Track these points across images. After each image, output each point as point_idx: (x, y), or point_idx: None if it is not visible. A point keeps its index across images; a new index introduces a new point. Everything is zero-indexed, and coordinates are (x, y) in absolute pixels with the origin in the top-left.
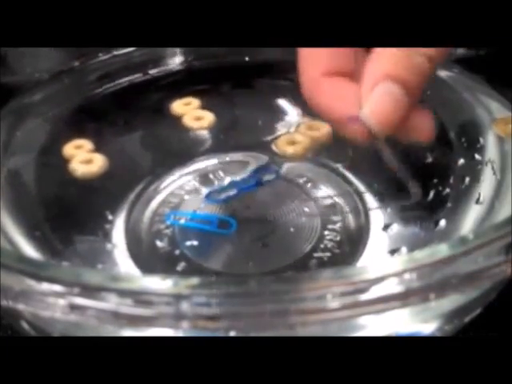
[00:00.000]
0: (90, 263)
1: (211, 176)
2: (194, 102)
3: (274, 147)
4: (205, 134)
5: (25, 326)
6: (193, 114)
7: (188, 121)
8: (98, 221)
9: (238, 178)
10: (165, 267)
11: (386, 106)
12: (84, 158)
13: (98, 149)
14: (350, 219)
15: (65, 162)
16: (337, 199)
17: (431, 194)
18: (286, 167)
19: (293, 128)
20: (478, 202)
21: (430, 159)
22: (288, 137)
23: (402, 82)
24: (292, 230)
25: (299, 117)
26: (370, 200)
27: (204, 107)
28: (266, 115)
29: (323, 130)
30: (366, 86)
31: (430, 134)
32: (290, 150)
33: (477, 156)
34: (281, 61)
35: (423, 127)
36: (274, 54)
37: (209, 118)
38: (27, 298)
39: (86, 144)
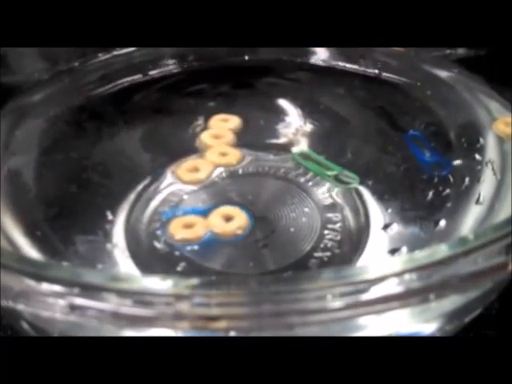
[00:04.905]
0: (90, 263)
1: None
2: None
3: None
4: None
5: (25, 326)
6: (218, 149)
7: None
8: (98, 221)
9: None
10: (165, 267)
11: None
12: (185, 223)
13: (98, 149)
14: (350, 219)
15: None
16: (337, 199)
17: (431, 193)
18: (285, 167)
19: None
20: (478, 202)
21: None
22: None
23: None
24: (292, 230)
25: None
26: (370, 200)
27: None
28: (266, 115)
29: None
30: None
31: None
32: (189, 176)
33: (477, 156)
34: (281, 61)
35: None
36: (274, 54)
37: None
38: (27, 298)
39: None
